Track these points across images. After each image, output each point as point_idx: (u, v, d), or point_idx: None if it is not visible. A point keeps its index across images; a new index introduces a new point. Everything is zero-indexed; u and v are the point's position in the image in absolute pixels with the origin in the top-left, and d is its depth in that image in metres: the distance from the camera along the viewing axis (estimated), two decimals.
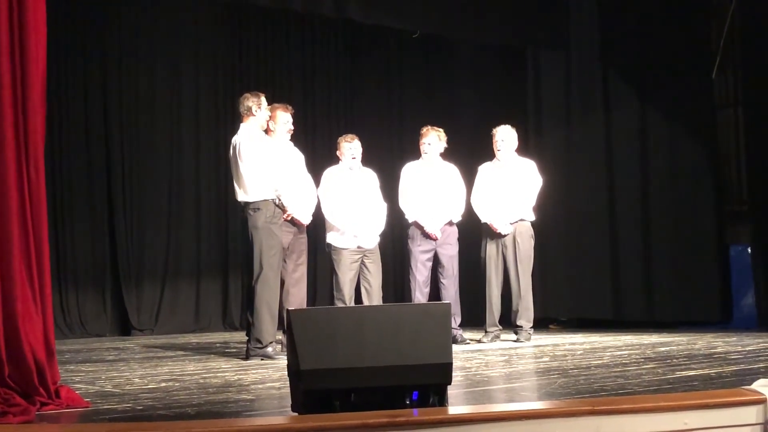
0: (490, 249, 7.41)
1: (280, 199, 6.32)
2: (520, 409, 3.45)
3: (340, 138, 7.32)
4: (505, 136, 7.50)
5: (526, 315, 7.40)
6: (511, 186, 7.42)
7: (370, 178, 7.28)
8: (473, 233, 8.02)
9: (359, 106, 10.89)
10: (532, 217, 7.48)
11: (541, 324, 8.49)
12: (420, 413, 3.28)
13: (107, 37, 9.42)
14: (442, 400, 3.48)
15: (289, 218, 6.45)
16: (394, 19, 8.61)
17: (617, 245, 9.44)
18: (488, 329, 7.43)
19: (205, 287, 9.90)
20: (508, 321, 7.51)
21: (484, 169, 7.59)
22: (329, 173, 7.17)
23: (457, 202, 7.42)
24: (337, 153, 7.24)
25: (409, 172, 7.49)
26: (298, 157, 6.80)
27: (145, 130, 9.63)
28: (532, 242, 7.44)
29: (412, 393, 3.43)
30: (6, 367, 3.69)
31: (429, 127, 7.50)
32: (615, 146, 9.52)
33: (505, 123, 7.65)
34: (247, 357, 6.22)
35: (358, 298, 7.17)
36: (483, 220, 7.44)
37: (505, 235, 7.36)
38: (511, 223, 7.37)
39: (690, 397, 3.70)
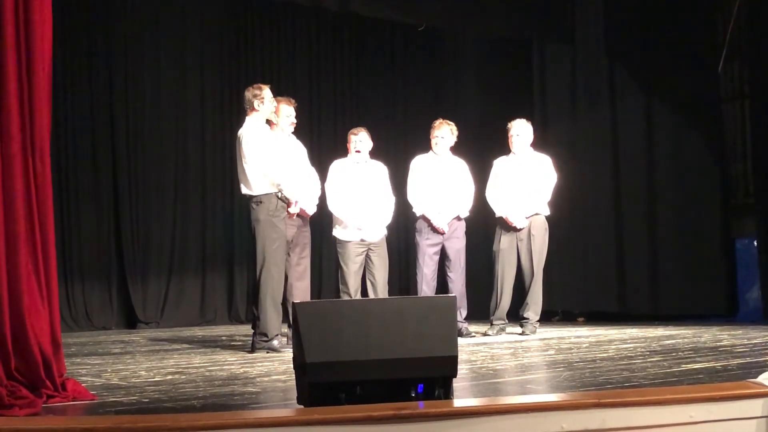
0: (504, 242, 7.36)
1: (282, 193, 6.31)
2: (525, 402, 3.45)
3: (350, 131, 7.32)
4: (520, 131, 7.44)
5: (534, 308, 7.38)
6: (526, 180, 7.36)
7: (379, 171, 7.25)
8: (480, 227, 8.00)
9: (364, 100, 10.87)
10: (547, 212, 7.44)
11: (544, 317, 8.47)
12: (425, 406, 3.28)
13: (113, 31, 9.44)
14: (447, 393, 3.48)
15: (296, 213, 6.42)
16: (398, 13, 8.60)
17: (623, 238, 9.42)
18: (494, 322, 7.41)
19: (211, 280, 9.91)
20: (513, 314, 7.51)
21: (499, 163, 7.54)
22: (335, 166, 7.16)
23: (466, 197, 7.38)
24: (348, 145, 7.24)
25: (418, 165, 7.45)
26: (300, 150, 6.79)
27: (151, 123, 9.65)
28: (547, 236, 7.39)
29: (417, 386, 3.43)
30: (12, 360, 3.69)
31: (441, 120, 7.45)
32: (621, 139, 9.50)
33: (511, 116, 7.61)
34: (252, 350, 6.22)
35: (363, 292, 7.17)
36: (498, 214, 7.39)
37: (520, 229, 7.34)
38: (526, 218, 7.34)
39: (695, 390, 3.69)
